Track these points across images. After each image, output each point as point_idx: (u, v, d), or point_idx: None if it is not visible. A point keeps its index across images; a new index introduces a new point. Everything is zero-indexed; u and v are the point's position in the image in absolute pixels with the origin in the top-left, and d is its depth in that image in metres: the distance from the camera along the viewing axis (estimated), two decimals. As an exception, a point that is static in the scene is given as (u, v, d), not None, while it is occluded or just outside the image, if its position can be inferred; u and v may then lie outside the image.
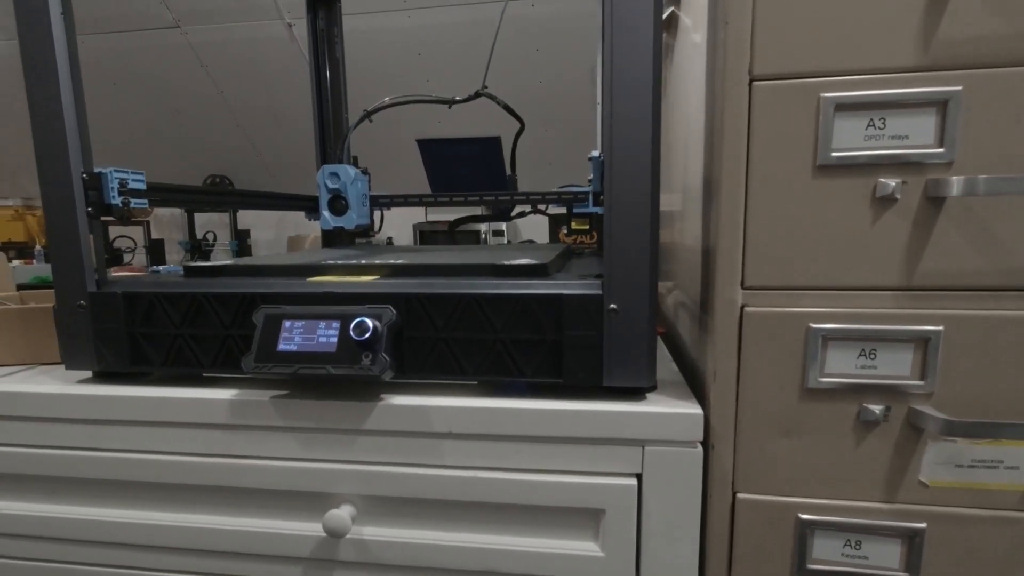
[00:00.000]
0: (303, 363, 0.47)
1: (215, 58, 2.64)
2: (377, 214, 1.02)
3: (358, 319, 0.46)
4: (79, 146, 0.51)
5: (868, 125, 0.40)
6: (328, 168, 0.86)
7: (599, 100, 0.91)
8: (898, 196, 0.41)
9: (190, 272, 0.57)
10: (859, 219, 0.41)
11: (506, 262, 0.53)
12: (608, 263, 0.45)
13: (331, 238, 1.00)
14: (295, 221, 3.50)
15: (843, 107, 0.40)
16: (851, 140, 0.41)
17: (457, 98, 0.88)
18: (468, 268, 0.53)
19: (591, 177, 0.47)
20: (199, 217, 3.44)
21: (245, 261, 0.61)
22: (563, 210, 1.09)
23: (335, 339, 0.47)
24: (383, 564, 0.50)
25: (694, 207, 0.55)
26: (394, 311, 0.48)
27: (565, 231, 1.10)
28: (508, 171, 1.01)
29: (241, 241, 3.32)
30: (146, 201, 0.57)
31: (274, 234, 3.60)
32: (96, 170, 0.53)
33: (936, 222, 0.41)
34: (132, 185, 0.55)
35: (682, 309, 0.64)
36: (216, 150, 3.19)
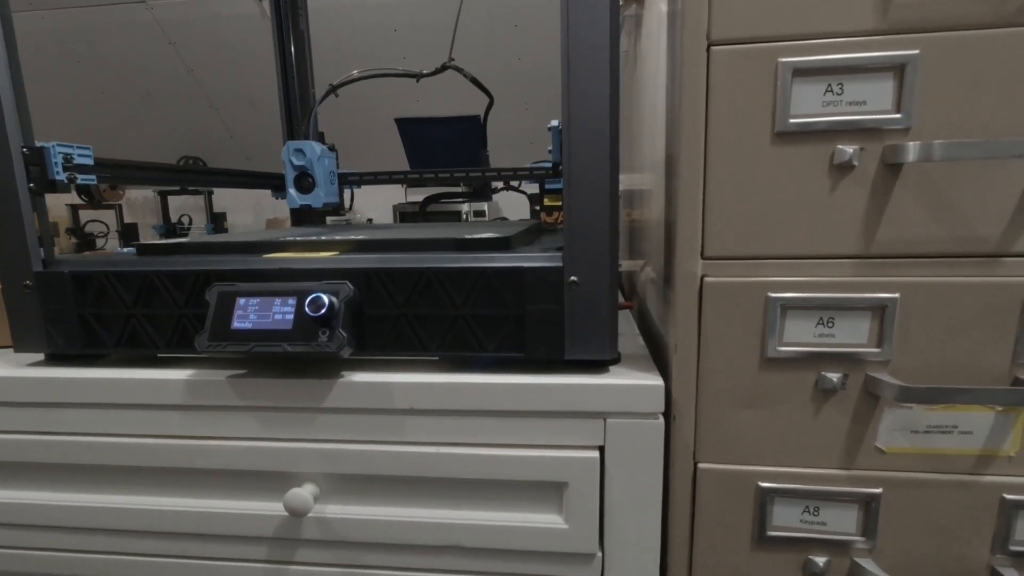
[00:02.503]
0: (259, 341, 0.46)
1: (183, 35, 2.56)
2: (349, 193, 1.00)
3: (313, 295, 0.45)
4: (17, 120, 0.49)
5: (826, 91, 0.40)
6: (293, 144, 0.84)
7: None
8: (856, 163, 0.40)
9: (143, 250, 0.55)
10: (817, 187, 0.41)
11: (468, 236, 0.52)
12: (568, 235, 0.45)
13: (300, 217, 0.98)
14: (273, 203, 3.44)
15: (801, 72, 0.40)
16: (809, 106, 0.40)
17: (424, 72, 0.86)
18: (429, 243, 0.52)
19: (551, 148, 0.47)
20: (174, 200, 3.36)
21: (200, 239, 0.59)
22: (537, 188, 1.08)
23: (291, 316, 0.46)
24: (347, 542, 0.50)
25: (660, 181, 0.55)
26: (352, 287, 0.47)
27: (539, 208, 1.09)
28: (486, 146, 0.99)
29: (217, 224, 3.25)
30: (94, 177, 0.55)
31: (252, 217, 3.53)
32: (37, 144, 0.51)
33: (893, 189, 0.40)
34: (78, 160, 0.53)
35: (650, 283, 0.64)
36: (189, 131, 3.11)
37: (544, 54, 2.60)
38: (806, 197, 0.41)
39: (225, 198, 3.44)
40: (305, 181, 0.86)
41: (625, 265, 0.91)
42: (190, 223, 3.30)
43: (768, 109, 0.40)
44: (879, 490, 0.44)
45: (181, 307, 0.50)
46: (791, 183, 0.41)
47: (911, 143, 0.38)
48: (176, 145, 3.16)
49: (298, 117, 0.96)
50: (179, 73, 2.75)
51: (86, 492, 0.54)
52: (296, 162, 0.84)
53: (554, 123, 0.46)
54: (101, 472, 0.53)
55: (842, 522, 0.45)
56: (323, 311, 0.44)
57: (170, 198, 3.29)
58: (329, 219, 1.25)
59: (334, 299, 0.45)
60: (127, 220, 3.31)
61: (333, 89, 0.89)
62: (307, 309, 0.45)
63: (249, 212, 3.57)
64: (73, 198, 2.95)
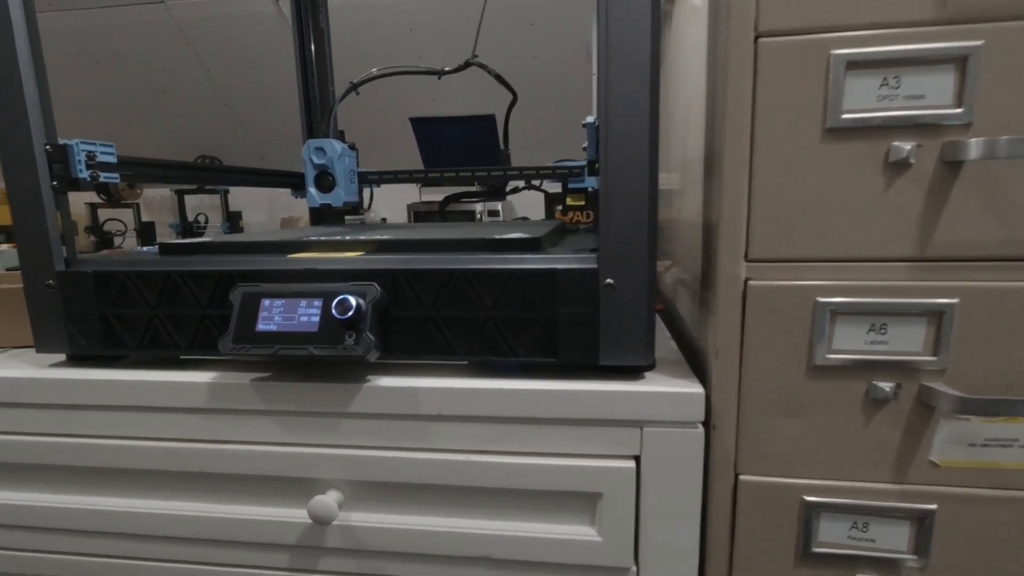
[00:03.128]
0: (283, 343, 0.44)
1: (201, 35, 2.57)
2: (367, 192, 0.99)
3: (340, 297, 0.43)
4: (41, 117, 0.48)
5: (881, 84, 0.38)
6: (313, 143, 0.83)
7: (595, 71, 0.87)
8: (912, 161, 0.38)
9: (165, 250, 0.54)
10: (870, 186, 0.39)
11: (497, 236, 0.50)
12: (604, 235, 0.43)
13: (319, 216, 0.97)
14: (287, 202, 3.44)
15: (855, 65, 0.38)
16: (863, 101, 0.38)
17: (446, 68, 0.84)
18: (457, 243, 0.50)
19: (585, 146, 0.45)
20: (190, 199, 3.39)
21: (223, 238, 0.58)
22: (559, 188, 1.06)
23: (317, 318, 0.45)
24: (372, 551, 0.49)
25: (694, 182, 0.53)
26: (379, 288, 0.45)
27: (560, 209, 1.07)
28: (502, 146, 0.98)
29: (233, 223, 3.27)
30: (117, 175, 0.54)
31: (266, 216, 3.54)
32: (61, 142, 0.50)
33: (952, 188, 0.38)
34: (101, 158, 0.52)
35: (681, 286, 0.62)
36: (204, 132, 3.13)
37: (559, 53, 2.58)
38: (858, 197, 0.39)
39: (240, 197, 3.45)
40: (325, 180, 0.85)
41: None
42: (206, 222, 3.32)
43: (819, 104, 0.38)
44: (933, 506, 0.41)
45: (204, 308, 0.49)
46: (842, 182, 0.39)
47: (973, 140, 0.36)
48: (191, 144, 3.18)
49: (317, 115, 0.95)
50: (196, 72, 2.76)
51: (106, 496, 0.53)
52: (316, 160, 0.83)
53: (589, 119, 0.44)
54: (121, 475, 0.52)
55: (893, 539, 0.42)
56: (350, 313, 0.43)
57: (186, 197, 3.31)
58: (346, 218, 1.24)
59: (361, 301, 0.44)
60: (144, 219, 3.34)
61: (354, 87, 0.88)
62: (334, 311, 0.43)
63: (263, 211, 3.59)
64: (92, 196, 2.98)
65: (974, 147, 0.36)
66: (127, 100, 2.94)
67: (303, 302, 0.46)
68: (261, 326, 0.45)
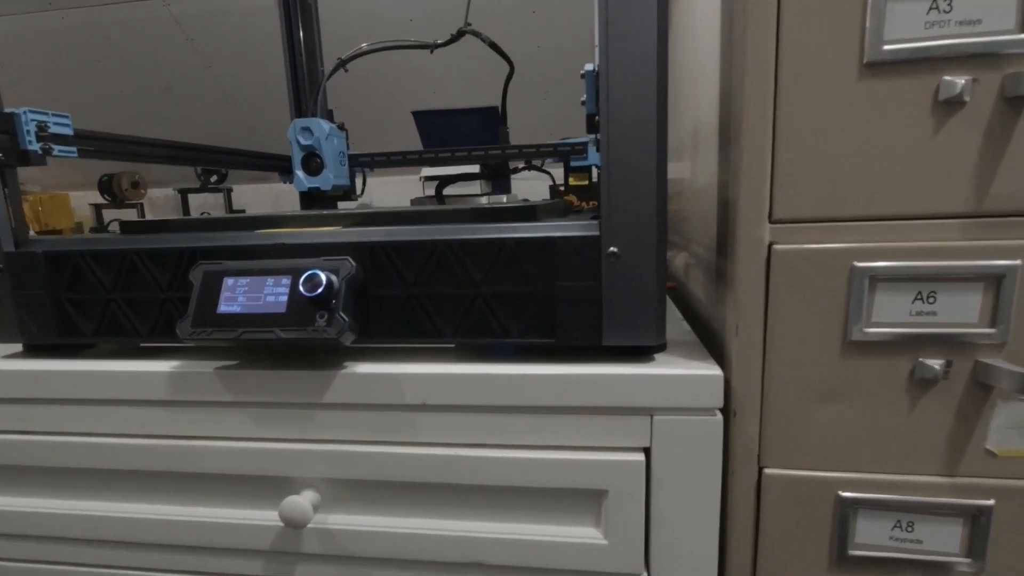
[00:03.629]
0: (248, 327, 0.40)
1: (200, 31, 2.54)
2: (361, 178, 0.94)
3: (309, 272, 0.38)
4: (-19, 79, 0.44)
5: (930, 8, 0.32)
6: (300, 123, 0.78)
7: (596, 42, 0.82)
8: (967, 98, 0.32)
9: (127, 228, 0.50)
10: (917, 130, 0.33)
11: (488, 206, 0.45)
12: (606, 198, 0.38)
13: (310, 201, 0.92)
14: (291, 199, 3.42)
15: (898, -14, 0.32)
16: (908, 28, 0.32)
17: (439, 41, 0.79)
18: (443, 214, 0.45)
19: (584, 99, 0.40)
20: (194, 199, 3.37)
21: (192, 217, 0.54)
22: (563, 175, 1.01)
23: (285, 298, 0.40)
24: (352, 556, 0.44)
25: (706, 143, 0.47)
26: (354, 263, 0.40)
27: (562, 188, 1.02)
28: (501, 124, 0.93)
29: (236, 221, 3.24)
30: (74, 148, 0.49)
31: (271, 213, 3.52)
32: (7, 111, 0.45)
33: (1014, 130, 0.33)
34: (55, 129, 0.48)
35: (692, 261, 0.56)
36: (209, 129, 3.10)
37: (563, 40, 2.51)
38: (902, 143, 0.34)
39: (244, 195, 3.43)
40: (313, 162, 0.81)
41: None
42: (209, 220, 3.29)
43: (855, 34, 0.33)
44: (990, 502, 0.36)
45: (164, 290, 0.44)
46: (883, 126, 0.34)
47: (1040, 70, 0.31)
48: (197, 142, 3.16)
49: (306, 95, 0.90)
50: (197, 69, 2.73)
51: (62, 498, 0.48)
52: (303, 141, 0.79)
53: (588, 67, 0.39)
54: (78, 475, 0.48)
55: (942, 540, 0.37)
56: (320, 291, 0.38)
57: (190, 196, 3.30)
58: (339, 204, 1.20)
59: (333, 277, 0.39)
60: (149, 219, 3.31)
61: (342, 63, 0.83)
62: (302, 289, 0.38)
63: (268, 208, 3.56)
64: (96, 197, 2.97)
65: (1041, 79, 0.30)
66: (131, 99, 2.91)
67: (270, 280, 0.41)
68: (223, 308, 0.40)
